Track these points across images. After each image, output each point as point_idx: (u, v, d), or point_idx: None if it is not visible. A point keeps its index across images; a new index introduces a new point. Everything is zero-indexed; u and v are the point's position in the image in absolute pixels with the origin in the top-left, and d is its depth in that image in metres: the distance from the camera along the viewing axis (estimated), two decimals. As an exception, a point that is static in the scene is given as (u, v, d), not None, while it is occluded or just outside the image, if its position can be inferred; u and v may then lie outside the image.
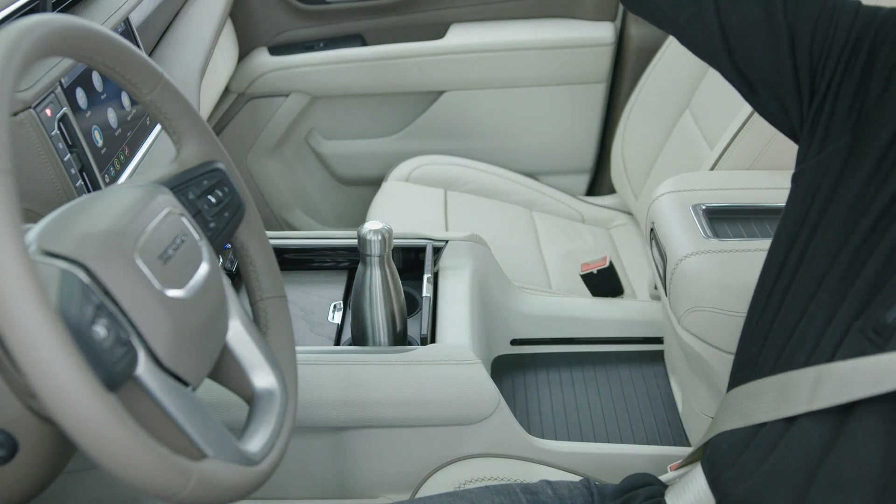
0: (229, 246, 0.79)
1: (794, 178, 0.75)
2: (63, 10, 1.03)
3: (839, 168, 0.69)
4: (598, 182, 2.05)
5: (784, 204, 0.77)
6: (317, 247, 1.30)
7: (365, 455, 1.06)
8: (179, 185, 0.70)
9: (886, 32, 0.68)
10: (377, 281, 1.05)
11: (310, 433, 1.04)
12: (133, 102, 1.06)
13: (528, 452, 1.08)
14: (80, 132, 0.90)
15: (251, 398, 0.72)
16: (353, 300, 1.09)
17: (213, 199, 0.72)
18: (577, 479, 0.90)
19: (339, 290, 1.27)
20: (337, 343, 1.17)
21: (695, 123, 1.48)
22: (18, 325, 0.45)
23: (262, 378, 0.72)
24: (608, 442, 1.16)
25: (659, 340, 1.33)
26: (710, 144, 1.39)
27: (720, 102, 1.39)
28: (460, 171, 1.83)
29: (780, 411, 0.68)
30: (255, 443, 0.66)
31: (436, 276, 1.23)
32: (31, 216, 0.82)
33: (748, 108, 1.24)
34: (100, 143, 0.95)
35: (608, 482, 0.90)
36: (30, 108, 0.82)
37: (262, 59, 1.90)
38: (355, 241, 1.22)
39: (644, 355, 1.33)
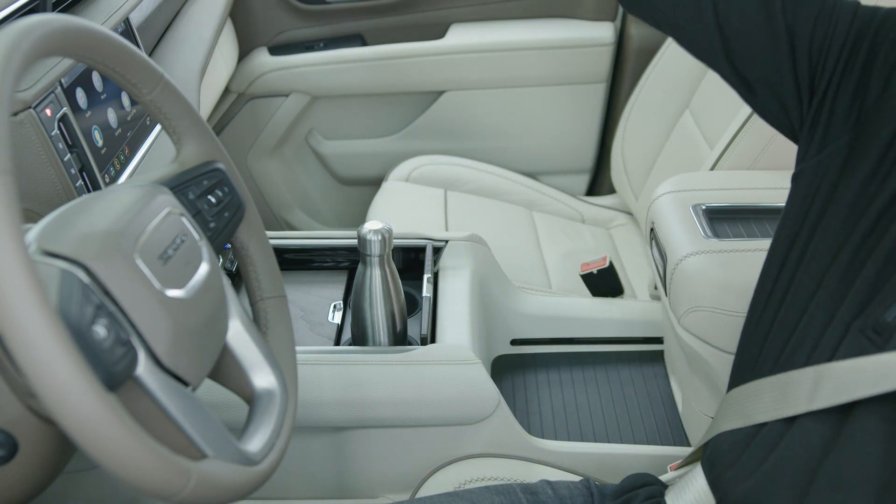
0: (229, 246, 0.79)
1: (794, 178, 0.75)
2: (63, 10, 1.03)
3: (839, 167, 0.69)
4: (598, 182, 2.05)
5: (784, 204, 0.77)
6: (317, 247, 1.30)
7: (365, 455, 1.06)
8: (179, 185, 0.70)
9: (886, 32, 0.68)
10: (377, 281, 1.05)
11: (310, 433, 1.04)
12: (133, 102, 1.06)
13: (528, 452, 1.08)
14: (80, 132, 0.90)
15: (251, 398, 0.72)
16: (353, 300, 1.09)
17: (213, 199, 0.72)
18: (577, 479, 0.90)
19: (339, 290, 1.27)
20: (337, 343, 1.17)
21: (695, 123, 1.48)
22: (18, 325, 0.45)
23: (262, 378, 0.72)
24: (608, 442, 1.16)
25: (659, 340, 1.33)
26: (710, 144, 1.39)
27: (720, 102, 1.39)
28: (460, 171, 1.83)
29: (780, 411, 0.68)
30: (255, 443, 0.66)
31: (436, 276, 1.23)
32: (31, 216, 0.82)
33: (748, 108, 1.24)
34: (100, 143, 0.95)
35: (608, 482, 0.90)
36: (30, 108, 0.82)
37: (262, 59, 1.90)
38: (355, 241, 1.22)
39: (644, 355, 1.33)
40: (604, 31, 1.86)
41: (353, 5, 1.90)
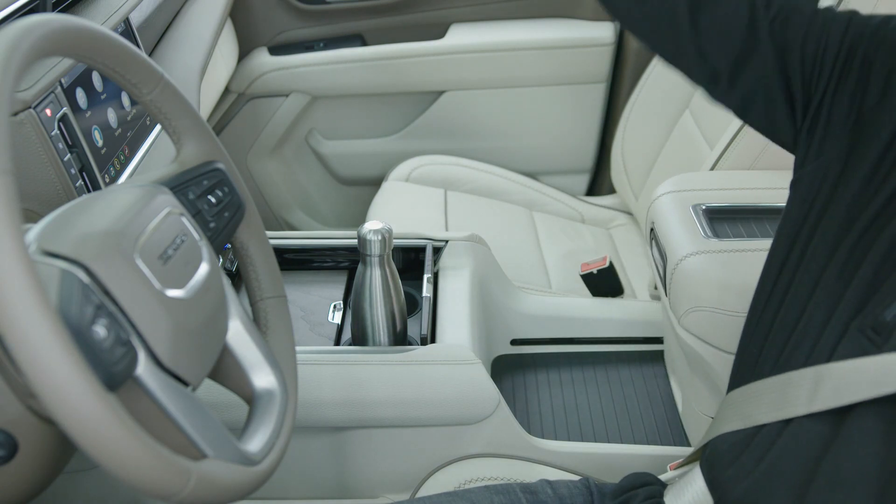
0: (229, 246, 0.79)
1: (793, 185, 0.75)
2: (63, 10, 1.03)
3: (838, 171, 0.70)
4: (598, 182, 2.05)
5: (783, 204, 0.77)
6: (317, 247, 1.30)
7: (365, 455, 1.06)
8: (179, 185, 0.70)
9: (880, 40, 0.68)
10: (377, 281, 1.05)
11: (310, 433, 1.04)
12: (133, 102, 1.06)
13: (528, 452, 1.08)
14: (80, 132, 0.90)
15: (251, 398, 0.72)
16: (353, 300, 1.09)
17: (213, 199, 0.73)
18: (576, 478, 0.90)
19: (339, 290, 1.27)
20: (337, 343, 1.17)
21: (695, 123, 1.48)
22: (18, 325, 0.45)
23: (262, 378, 0.72)
24: (608, 442, 1.16)
25: (659, 340, 1.33)
26: (710, 144, 1.39)
27: (720, 102, 1.39)
28: (460, 171, 1.83)
29: (781, 412, 0.68)
30: (255, 443, 0.66)
31: (436, 276, 1.23)
32: (31, 216, 0.82)
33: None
34: (100, 143, 0.95)
35: (608, 482, 0.90)
36: (30, 108, 0.82)
37: (262, 59, 1.90)
38: (355, 241, 1.22)
39: (644, 355, 1.33)
40: (604, 31, 1.86)
41: (353, 5, 1.90)
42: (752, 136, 1.24)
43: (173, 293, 0.59)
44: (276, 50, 1.92)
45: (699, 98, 1.53)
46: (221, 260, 1.19)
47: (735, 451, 0.73)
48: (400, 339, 1.11)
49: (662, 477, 0.87)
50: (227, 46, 1.77)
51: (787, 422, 0.67)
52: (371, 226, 1.03)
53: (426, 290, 1.14)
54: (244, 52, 1.91)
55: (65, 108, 0.88)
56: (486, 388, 1.03)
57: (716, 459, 0.76)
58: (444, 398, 1.01)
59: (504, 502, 0.85)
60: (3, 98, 0.49)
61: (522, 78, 1.90)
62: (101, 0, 1.11)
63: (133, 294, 0.56)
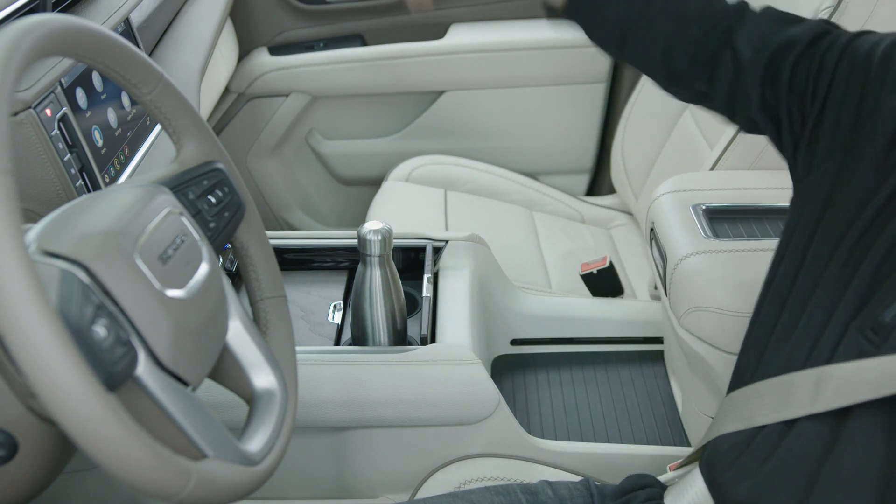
0: (229, 246, 0.79)
1: (794, 198, 0.76)
2: (63, 10, 1.03)
3: (837, 174, 0.70)
4: (598, 182, 2.05)
5: (783, 204, 0.77)
6: (317, 247, 1.30)
7: (365, 455, 1.06)
8: (179, 185, 0.70)
9: (869, 50, 0.69)
10: (377, 281, 1.05)
11: (310, 433, 1.04)
12: (133, 102, 1.06)
13: (528, 452, 1.08)
14: (80, 132, 0.90)
15: (251, 398, 0.72)
16: (353, 300, 1.09)
17: (213, 199, 0.72)
18: (577, 479, 0.90)
19: (339, 290, 1.27)
20: (337, 343, 1.17)
21: (695, 123, 1.48)
22: (18, 325, 0.45)
23: (262, 378, 0.72)
24: (608, 442, 1.16)
25: (659, 340, 1.33)
26: (710, 144, 1.39)
27: (720, 102, 1.39)
28: (460, 171, 1.83)
29: (782, 413, 0.68)
30: (255, 443, 0.66)
31: (436, 276, 1.23)
32: (31, 216, 0.82)
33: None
34: (100, 143, 0.95)
35: (608, 482, 0.90)
36: (30, 108, 0.82)
37: (262, 59, 1.90)
38: (355, 241, 1.22)
39: (644, 355, 1.33)
40: (604, 31, 1.85)
41: (353, 5, 1.90)
42: (752, 136, 1.24)
43: (173, 293, 0.59)
44: (276, 50, 1.92)
45: (699, 98, 1.52)
46: (221, 260, 1.19)
47: (735, 451, 0.73)
48: (400, 339, 1.11)
49: (662, 478, 0.87)
50: (227, 46, 1.77)
51: (790, 424, 0.67)
52: (371, 226, 1.03)
53: (426, 290, 1.14)
54: (244, 52, 1.91)
55: (65, 108, 0.88)
56: (486, 388, 1.03)
57: (715, 460, 0.76)
58: (444, 398, 1.01)
59: (504, 503, 0.85)
60: (3, 98, 0.49)
61: (522, 78, 1.90)
62: (101, 0, 1.11)
63: (133, 294, 0.56)
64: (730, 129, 1.28)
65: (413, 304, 1.20)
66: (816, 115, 0.71)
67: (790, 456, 0.66)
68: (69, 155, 0.87)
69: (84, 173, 0.89)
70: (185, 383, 0.59)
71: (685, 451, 1.10)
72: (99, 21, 1.04)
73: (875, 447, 0.61)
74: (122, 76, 0.67)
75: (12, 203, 0.46)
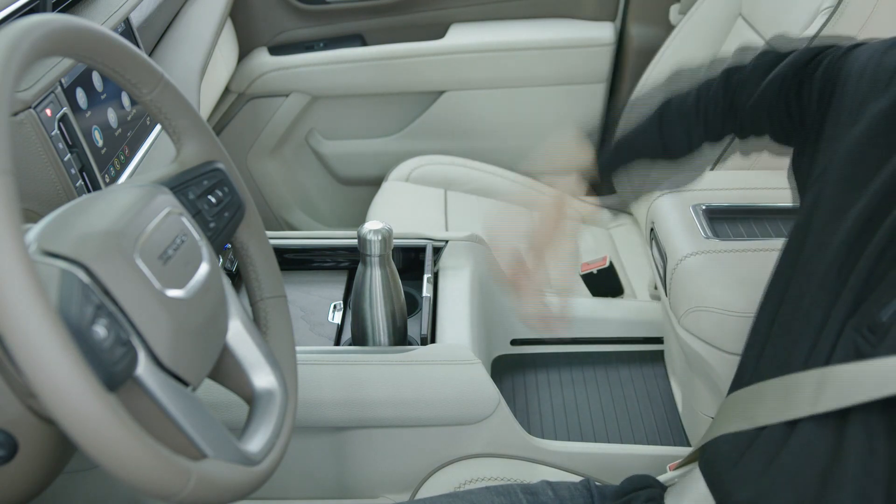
0: (229, 246, 0.79)
1: (797, 185, 0.77)
2: (63, 10, 1.03)
3: (827, 166, 0.71)
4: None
5: (783, 204, 0.77)
6: (317, 247, 1.30)
7: (365, 455, 1.06)
8: (179, 185, 0.70)
9: (839, 58, 0.74)
10: (377, 281, 1.05)
11: (310, 433, 1.04)
12: (133, 102, 1.06)
13: (528, 452, 1.08)
14: (80, 132, 0.90)
15: (251, 398, 0.72)
16: (353, 300, 1.09)
17: (213, 199, 0.72)
18: (577, 479, 0.90)
19: (339, 290, 1.27)
20: (337, 343, 1.17)
21: (695, 123, 1.48)
22: (18, 325, 0.45)
23: (262, 378, 0.72)
24: (608, 442, 1.16)
25: (659, 340, 1.33)
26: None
27: (720, 102, 1.39)
28: (460, 171, 1.83)
29: (784, 414, 0.68)
30: (255, 443, 0.66)
31: (436, 276, 1.23)
32: (31, 216, 0.82)
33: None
34: (100, 143, 0.95)
35: (608, 482, 0.90)
36: (30, 108, 0.82)
37: (262, 59, 1.90)
38: (355, 241, 1.22)
39: (644, 355, 1.33)
40: (604, 31, 1.86)
41: (353, 5, 1.90)
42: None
43: (173, 293, 0.59)
44: (276, 50, 1.92)
45: (699, 98, 1.52)
46: (221, 260, 1.19)
47: (737, 452, 0.73)
48: (400, 339, 1.11)
49: (661, 478, 0.86)
50: (227, 46, 1.77)
51: (792, 424, 0.67)
52: (371, 226, 1.03)
53: (426, 290, 1.14)
54: (244, 52, 1.91)
55: (65, 108, 0.88)
56: (486, 388, 1.03)
57: (717, 460, 0.76)
58: (444, 398, 1.01)
59: (505, 503, 0.85)
60: (3, 98, 0.49)
61: (522, 78, 1.90)
62: (101, 0, 1.11)
63: (133, 294, 0.56)
64: (730, 129, 1.28)
65: (413, 304, 1.20)
66: (818, 125, 0.74)
67: (795, 457, 0.66)
68: (69, 155, 0.87)
69: (84, 173, 0.89)
70: (185, 383, 0.59)
71: (685, 451, 1.10)
72: (99, 21, 1.04)
73: (879, 447, 0.60)
74: (122, 76, 0.67)
75: (12, 203, 0.46)
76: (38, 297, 0.45)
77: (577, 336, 1.34)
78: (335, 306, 1.23)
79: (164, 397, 0.57)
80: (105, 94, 0.99)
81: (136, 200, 0.62)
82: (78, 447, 0.48)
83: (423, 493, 1.06)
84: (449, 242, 1.25)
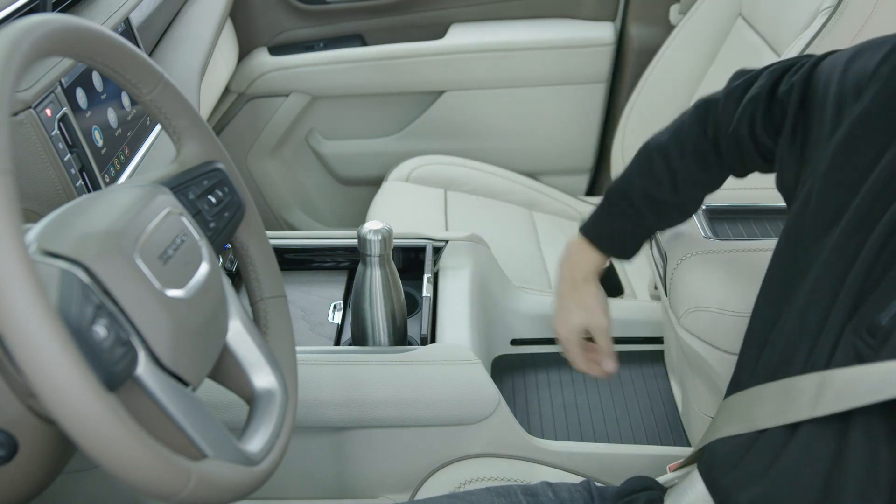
0: (229, 246, 0.79)
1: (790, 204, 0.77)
2: (63, 10, 1.03)
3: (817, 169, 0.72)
4: (598, 182, 2.05)
5: (783, 203, 0.78)
6: (317, 247, 1.30)
7: (365, 455, 1.06)
8: (179, 185, 0.70)
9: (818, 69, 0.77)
10: (377, 281, 1.05)
11: (310, 433, 1.04)
12: (133, 102, 1.06)
13: (528, 452, 1.08)
14: (80, 132, 0.90)
15: (251, 398, 0.72)
16: (353, 300, 1.09)
17: (213, 199, 0.72)
18: (577, 479, 0.90)
19: (339, 290, 1.27)
20: (337, 343, 1.17)
21: (695, 123, 1.48)
22: (18, 325, 0.45)
23: (262, 378, 0.72)
24: (608, 442, 1.16)
25: (659, 340, 1.33)
26: (710, 144, 1.38)
27: (720, 102, 1.39)
28: (460, 171, 1.83)
29: (783, 417, 0.67)
30: (255, 443, 0.66)
31: (436, 276, 1.23)
32: (31, 216, 0.82)
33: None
34: (100, 143, 0.95)
35: (608, 482, 0.90)
36: (30, 108, 0.82)
37: (262, 59, 1.90)
38: (355, 241, 1.22)
39: (644, 355, 1.33)
40: (604, 31, 1.86)
41: (353, 5, 1.90)
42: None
43: (173, 293, 0.59)
44: (276, 50, 1.92)
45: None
46: (221, 260, 1.19)
47: (736, 455, 0.72)
48: (400, 339, 1.11)
49: (661, 478, 0.86)
50: (227, 46, 1.77)
51: (793, 428, 0.67)
52: (371, 226, 1.03)
53: (426, 290, 1.14)
54: (244, 52, 1.91)
55: (65, 108, 0.88)
56: (486, 388, 1.03)
57: (715, 463, 0.76)
58: (444, 398, 1.01)
59: None
60: (3, 98, 0.49)
61: (522, 78, 1.90)
62: (101, 0, 1.11)
63: (133, 294, 0.56)
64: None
65: (413, 304, 1.20)
66: (802, 133, 0.77)
67: (796, 461, 0.66)
68: (69, 155, 0.87)
69: (84, 173, 0.90)
70: (185, 383, 0.59)
71: (685, 451, 1.10)
72: (99, 21, 1.04)
73: (881, 451, 0.60)
74: (122, 76, 0.67)
75: (12, 203, 0.46)
76: (38, 297, 0.45)
77: (577, 336, 1.34)
78: (335, 306, 1.23)
79: (164, 397, 0.57)
80: (105, 94, 0.99)
81: (136, 200, 0.62)
82: (78, 447, 0.48)
83: (423, 493, 1.06)
84: (449, 242, 1.25)
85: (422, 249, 1.24)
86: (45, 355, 0.45)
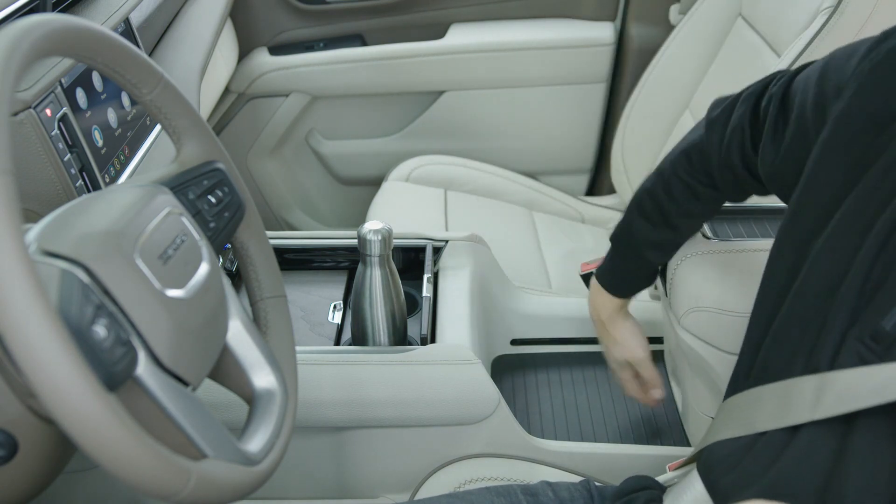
0: (229, 246, 0.79)
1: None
2: (63, 10, 1.03)
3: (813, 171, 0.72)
4: (598, 182, 2.05)
5: (783, 203, 0.78)
6: (317, 247, 1.30)
7: (365, 455, 1.06)
8: (179, 185, 0.70)
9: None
10: (377, 281, 1.05)
11: (310, 433, 1.04)
12: (133, 102, 1.06)
13: (528, 452, 1.08)
14: (80, 132, 0.90)
15: (251, 398, 0.72)
16: (353, 300, 1.09)
17: (213, 199, 0.73)
18: (577, 479, 0.90)
19: (339, 290, 1.27)
20: (337, 343, 1.17)
21: (694, 124, 1.48)
22: (18, 325, 0.45)
23: (262, 378, 0.72)
24: (608, 442, 1.16)
25: (659, 340, 1.33)
26: (710, 144, 1.38)
27: (720, 102, 1.39)
28: (460, 171, 1.83)
29: (783, 419, 0.67)
30: (255, 443, 0.66)
31: (436, 276, 1.23)
32: (31, 216, 0.82)
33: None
34: (100, 143, 0.95)
35: (608, 482, 0.90)
36: (30, 108, 0.82)
37: (262, 59, 1.90)
38: (355, 241, 1.22)
39: (644, 355, 1.33)
40: (604, 31, 1.86)
41: (353, 5, 1.90)
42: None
43: (173, 293, 0.59)
44: (276, 50, 1.92)
45: (699, 98, 1.52)
46: (221, 260, 1.19)
47: (735, 457, 0.72)
48: (400, 339, 1.11)
49: (661, 478, 0.86)
50: (227, 46, 1.77)
51: (794, 430, 0.66)
52: (371, 226, 1.03)
53: (426, 290, 1.14)
54: (244, 52, 1.91)
55: (65, 108, 0.88)
56: (485, 388, 1.03)
57: (714, 464, 0.75)
58: (444, 398, 1.01)
59: None
60: (3, 98, 0.49)
61: (522, 78, 1.90)
62: (101, 0, 1.11)
63: (133, 294, 0.56)
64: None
65: (413, 304, 1.20)
66: (790, 136, 0.78)
67: (796, 463, 0.66)
68: (69, 155, 0.87)
69: (84, 173, 0.90)
70: (185, 383, 0.59)
71: (685, 451, 1.10)
72: (99, 21, 1.04)
73: (883, 455, 0.60)
74: (122, 76, 0.67)
75: (12, 203, 0.46)
76: (38, 297, 0.45)
77: (577, 336, 1.34)
78: (335, 306, 1.23)
79: (164, 397, 0.57)
80: (105, 94, 0.99)
81: (136, 200, 0.62)
82: (78, 447, 0.48)
83: (423, 493, 1.06)
84: (449, 242, 1.25)
85: (422, 249, 1.24)
86: (45, 355, 0.45)
